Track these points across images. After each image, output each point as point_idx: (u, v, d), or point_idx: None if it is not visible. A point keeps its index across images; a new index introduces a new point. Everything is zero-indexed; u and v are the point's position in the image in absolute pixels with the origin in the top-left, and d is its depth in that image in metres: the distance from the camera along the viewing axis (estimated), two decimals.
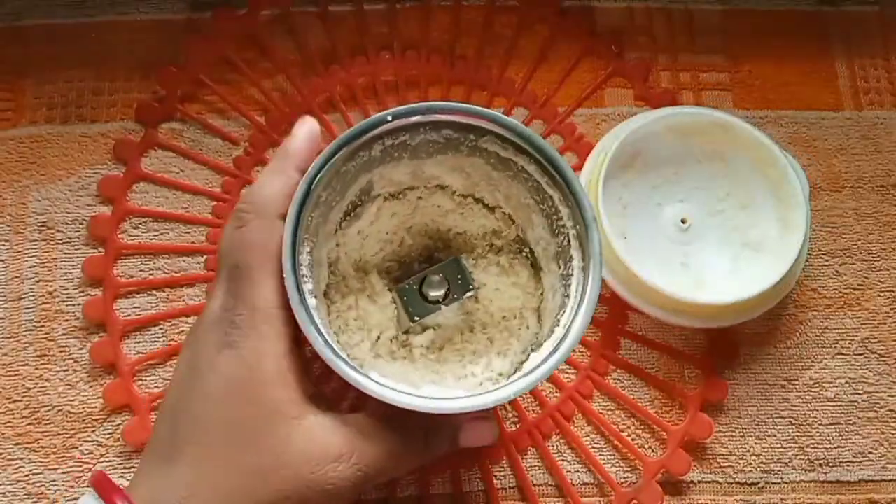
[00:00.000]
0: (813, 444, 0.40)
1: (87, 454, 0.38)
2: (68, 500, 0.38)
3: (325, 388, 0.38)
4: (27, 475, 0.38)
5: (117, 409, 0.39)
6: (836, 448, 0.40)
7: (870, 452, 0.40)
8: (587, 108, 0.45)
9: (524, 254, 0.35)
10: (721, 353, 0.41)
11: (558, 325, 0.30)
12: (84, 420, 0.39)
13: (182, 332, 0.40)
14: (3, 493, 0.38)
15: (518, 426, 0.40)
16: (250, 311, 0.28)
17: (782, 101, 0.46)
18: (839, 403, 0.41)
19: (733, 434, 0.40)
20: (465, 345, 0.35)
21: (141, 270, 0.41)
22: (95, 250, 0.41)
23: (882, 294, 0.43)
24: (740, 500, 0.39)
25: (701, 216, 0.42)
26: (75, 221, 0.42)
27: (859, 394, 0.41)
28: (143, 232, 0.42)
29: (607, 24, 0.46)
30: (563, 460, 0.39)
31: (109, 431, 0.39)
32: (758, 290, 0.38)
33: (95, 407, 0.39)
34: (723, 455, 0.40)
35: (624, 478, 0.39)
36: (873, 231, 0.43)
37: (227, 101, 0.44)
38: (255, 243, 0.29)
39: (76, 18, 0.45)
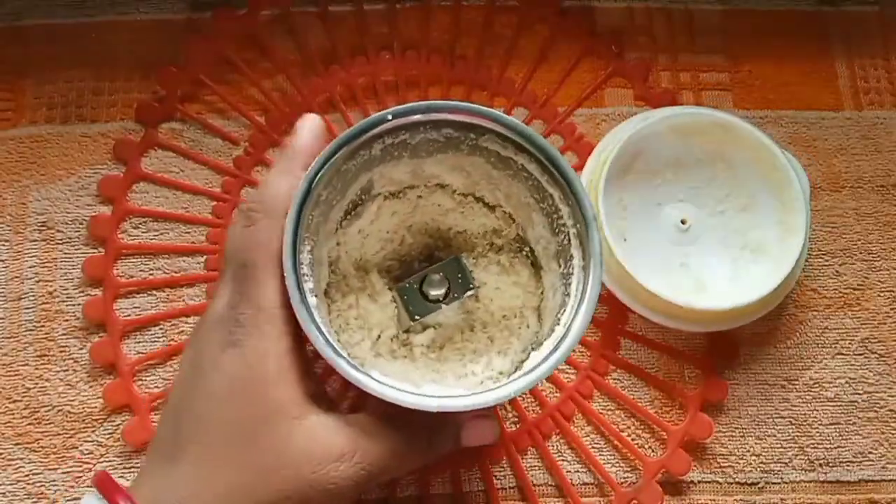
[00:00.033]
0: (813, 444, 0.40)
1: (87, 454, 0.38)
2: (68, 500, 0.38)
3: (325, 388, 0.38)
4: (27, 475, 0.38)
5: (117, 409, 0.39)
6: (836, 448, 0.40)
7: (870, 452, 0.40)
8: (587, 108, 0.45)
9: (524, 253, 0.35)
10: (721, 353, 0.41)
11: (559, 324, 0.30)
12: (84, 420, 0.39)
13: (182, 332, 0.40)
14: (3, 493, 0.38)
15: (518, 426, 0.40)
16: (255, 310, 0.28)
17: (782, 101, 0.46)
18: (839, 403, 0.41)
19: (733, 434, 0.40)
20: (466, 344, 0.35)
21: (141, 270, 0.41)
22: (95, 250, 0.41)
23: (882, 294, 0.43)
24: (740, 500, 0.39)
25: (701, 217, 0.42)
26: (75, 221, 0.42)
27: (859, 394, 0.41)
28: (143, 232, 0.42)
29: (607, 24, 0.46)
30: (563, 460, 0.39)
31: (109, 431, 0.39)
32: (757, 295, 0.38)
33: (95, 407, 0.39)
34: (723, 455, 0.40)
35: (624, 478, 0.39)
36: (873, 231, 0.43)
37: (227, 101, 0.44)
38: (263, 243, 0.28)
39: (76, 18, 0.45)
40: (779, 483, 0.39)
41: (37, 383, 0.39)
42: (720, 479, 0.39)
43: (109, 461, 0.38)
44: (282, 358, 0.28)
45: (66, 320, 0.40)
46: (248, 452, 0.27)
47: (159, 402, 0.39)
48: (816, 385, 0.41)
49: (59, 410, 0.39)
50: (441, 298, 0.33)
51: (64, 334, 0.40)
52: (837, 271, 0.43)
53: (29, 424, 0.39)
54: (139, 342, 0.40)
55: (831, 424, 0.40)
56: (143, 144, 0.43)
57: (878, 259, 0.43)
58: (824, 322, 0.42)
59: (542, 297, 0.34)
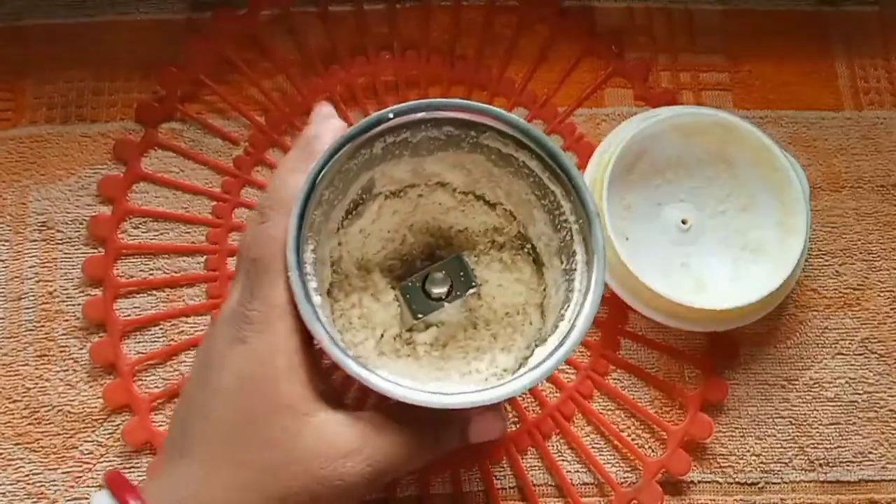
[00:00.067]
0: (813, 444, 0.40)
1: (87, 454, 0.38)
2: (68, 501, 0.38)
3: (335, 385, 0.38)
4: (27, 475, 0.38)
5: (117, 409, 0.39)
6: (836, 448, 0.40)
7: (870, 452, 0.40)
8: (587, 108, 0.45)
9: (526, 250, 0.35)
10: (721, 353, 0.41)
11: (563, 320, 0.30)
12: (84, 420, 0.39)
13: (182, 332, 0.40)
14: (3, 493, 0.38)
15: (518, 426, 0.40)
16: (266, 306, 0.28)
17: (782, 101, 0.46)
18: (839, 403, 0.41)
19: (733, 434, 0.40)
20: (469, 342, 0.35)
21: (141, 270, 0.41)
22: (95, 250, 0.41)
23: (882, 294, 0.43)
24: (740, 500, 0.39)
25: (701, 217, 0.42)
26: (75, 221, 0.42)
27: (859, 394, 0.41)
28: (143, 232, 0.42)
29: (607, 24, 0.46)
30: (563, 460, 0.39)
31: (109, 431, 0.39)
32: (757, 296, 0.38)
33: (95, 407, 0.39)
34: (723, 455, 0.40)
35: (624, 478, 0.39)
36: (873, 231, 0.43)
37: (227, 101, 0.44)
38: (275, 239, 0.28)
39: (76, 18, 0.45)
40: (779, 483, 0.39)
41: (37, 383, 0.39)
42: (720, 479, 0.39)
43: (109, 461, 0.38)
44: (292, 355, 0.28)
45: (66, 320, 0.40)
46: (256, 449, 0.27)
47: (159, 402, 0.39)
48: (816, 385, 0.41)
49: (59, 410, 0.39)
50: (444, 297, 0.33)
51: (64, 334, 0.40)
52: (837, 271, 0.43)
53: (29, 424, 0.39)
54: (139, 342, 0.40)
55: (831, 424, 0.40)
56: (143, 144, 0.43)
57: (878, 259, 0.43)
58: (824, 322, 0.42)
59: (545, 293, 0.34)
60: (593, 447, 0.40)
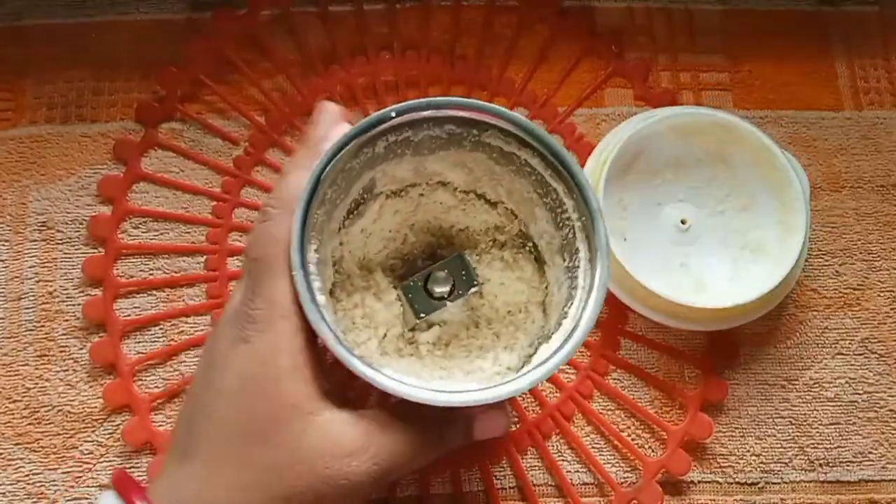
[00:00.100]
0: (813, 444, 0.40)
1: (87, 454, 0.38)
2: (68, 501, 0.38)
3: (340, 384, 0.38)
4: (27, 475, 0.38)
5: (117, 409, 0.39)
6: (836, 448, 0.40)
7: (870, 452, 0.40)
8: (587, 108, 0.45)
9: (527, 248, 0.35)
10: (721, 353, 0.41)
11: (566, 317, 0.30)
12: (84, 420, 0.39)
13: (182, 332, 0.40)
14: (3, 493, 0.38)
15: (518, 426, 0.40)
16: (268, 305, 0.28)
17: (782, 101, 0.46)
18: (839, 403, 0.41)
19: (733, 434, 0.40)
20: (472, 340, 0.35)
21: (141, 270, 0.41)
22: (95, 250, 0.41)
23: (882, 294, 0.43)
24: (740, 500, 0.39)
25: (701, 217, 0.42)
26: (75, 221, 0.42)
27: (859, 394, 0.41)
28: (143, 232, 0.42)
29: (607, 24, 0.46)
30: (563, 460, 0.39)
31: (109, 431, 0.39)
32: (757, 294, 0.38)
33: (95, 407, 0.39)
34: (723, 455, 0.40)
35: (624, 478, 0.39)
36: (873, 231, 0.43)
37: (227, 101, 0.44)
38: (278, 238, 0.28)
39: (76, 18, 0.45)
40: (779, 483, 0.39)
41: (37, 383, 0.39)
42: (720, 479, 0.39)
43: (109, 461, 0.38)
44: (296, 354, 0.28)
45: (66, 320, 0.40)
46: (260, 449, 0.27)
47: (159, 402, 0.39)
48: (816, 385, 0.41)
49: (59, 410, 0.39)
50: (446, 296, 0.33)
51: (64, 334, 0.40)
52: (837, 271, 0.43)
53: (29, 424, 0.39)
54: (139, 342, 0.40)
55: (831, 424, 0.40)
56: (143, 144, 0.43)
57: (878, 259, 0.43)
58: (824, 322, 0.42)
59: (547, 291, 0.34)
60: (593, 447, 0.40)
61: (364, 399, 0.38)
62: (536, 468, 0.39)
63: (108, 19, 0.45)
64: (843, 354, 0.41)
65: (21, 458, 0.38)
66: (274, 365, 0.27)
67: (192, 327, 0.40)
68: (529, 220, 0.34)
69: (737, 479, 0.39)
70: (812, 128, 0.45)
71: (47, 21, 0.45)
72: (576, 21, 0.46)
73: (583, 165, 0.42)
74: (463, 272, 0.34)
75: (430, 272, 0.34)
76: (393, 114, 0.29)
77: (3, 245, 0.41)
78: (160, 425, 0.39)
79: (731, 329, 0.40)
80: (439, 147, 0.32)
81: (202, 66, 0.44)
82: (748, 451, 0.40)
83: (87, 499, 0.38)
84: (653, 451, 0.40)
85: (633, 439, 0.40)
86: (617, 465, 0.39)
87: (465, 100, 0.30)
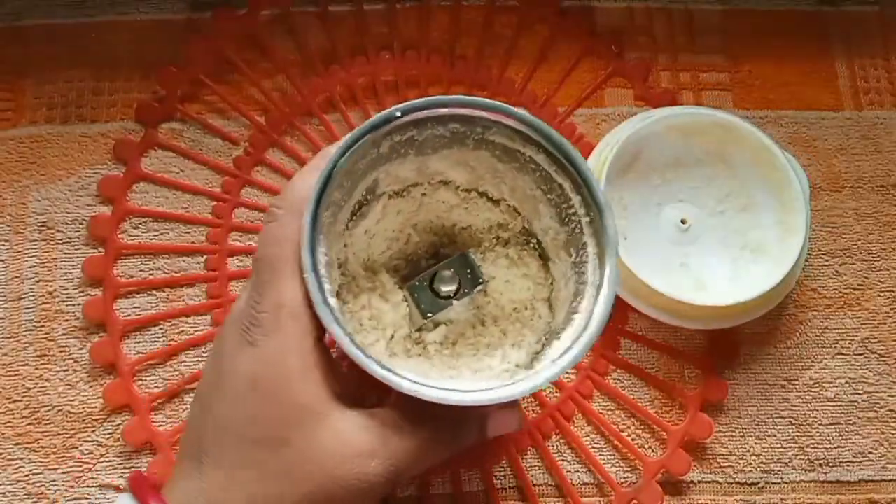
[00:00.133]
0: (813, 444, 0.40)
1: (87, 454, 0.38)
2: (68, 501, 0.38)
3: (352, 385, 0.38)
4: (27, 475, 0.38)
5: (117, 409, 0.39)
6: (836, 448, 0.40)
7: (870, 452, 0.40)
8: (587, 108, 0.45)
9: (531, 245, 0.35)
10: (721, 353, 0.41)
11: (577, 313, 0.30)
12: (84, 420, 0.39)
13: (182, 332, 0.40)
14: (3, 493, 0.38)
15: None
16: (275, 307, 0.27)
17: (782, 101, 0.46)
18: (839, 403, 0.41)
19: (733, 434, 0.40)
20: (479, 338, 0.35)
21: (141, 270, 0.41)
22: (95, 250, 0.41)
23: (882, 294, 0.43)
24: (740, 500, 0.39)
25: (701, 217, 0.42)
26: (75, 221, 0.42)
27: (859, 394, 0.41)
28: (143, 232, 0.42)
29: (607, 24, 0.46)
30: (563, 460, 0.39)
31: (109, 431, 0.39)
32: (757, 293, 0.38)
33: (95, 407, 0.39)
34: (723, 455, 0.40)
35: (624, 478, 0.39)
36: (873, 231, 0.43)
37: (227, 101, 0.44)
38: (284, 238, 0.28)
39: (76, 18, 0.45)
40: (779, 483, 0.39)
41: (37, 383, 0.39)
42: (720, 479, 0.39)
43: (109, 461, 0.38)
44: (305, 356, 0.27)
45: (66, 320, 0.40)
46: (273, 454, 0.27)
47: (159, 402, 0.39)
48: (816, 385, 0.41)
49: (59, 410, 0.39)
50: (452, 295, 0.33)
51: (64, 334, 0.40)
52: (837, 271, 0.43)
53: (29, 424, 0.39)
54: (139, 342, 0.40)
55: (831, 424, 0.40)
56: (143, 144, 0.43)
57: (878, 259, 0.43)
58: (824, 322, 0.42)
59: (552, 287, 0.34)
60: (593, 447, 0.40)
61: (376, 399, 0.38)
62: (536, 468, 0.39)
63: (108, 19, 0.45)
64: (843, 354, 0.41)
65: (21, 458, 0.38)
66: (283, 368, 0.27)
67: (192, 327, 0.40)
68: (533, 217, 0.34)
69: (737, 479, 0.39)
70: (812, 128, 0.45)
71: (47, 21, 0.45)
72: (576, 21, 0.46)
73: None
74: (468, 271, 0.34)
75: (435, 272, 0.34)
76: (398, 113, 0.29)
77: (3, 245, 0.41)
78: (160, 425, 0.39)
79: (732, 329, 0.40)
80: (442, 146, 0.32)
81: (202, 66, 0.44)
82: (748, 451, 0.40)
83: (87, 499, 0.38)
84: (653, 451, 0.40)
85: (633, 439, 0.40)
86: (617, 465, 0.39)
87: (471, 98, 0.30)
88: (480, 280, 0.34)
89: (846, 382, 0.41)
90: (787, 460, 0.40)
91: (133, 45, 0.45)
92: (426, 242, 0.36)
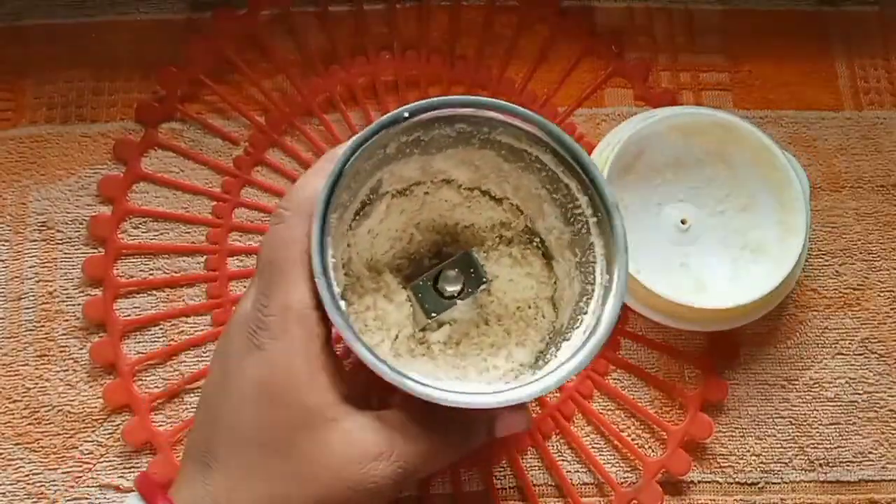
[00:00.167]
0: (813, 444, 0.40)
1: (87, 454, 0.38)
2: (68, 501, 0.38)
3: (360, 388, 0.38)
4: (27, 475, 0.38)
5: (117, 409, 0.39)
6: (836, 448, 0.40)
7: (870, 452, 0.40)
8: (587, 108, 0.45)
9: (534, 244, 0.35)
10: (721, 353, 0.41)
11: (585, 313, 0.30)
12: (84, 420, 0.39)
13: (182, 332, 0.40)
14: (3, 493, 0.38)
15: None
16: (282, 309, 0.27)
17: (782, 101, 0.46)
18: (839, 403, 0.41)
19: (733, 434, 0.40)
20: (483, 338, 0.35)
21: (141, 270, 0.41)
22: (95, 250, 0.41)
23: (882, 294, 0.43)
24: (740, 500, 0.39)
25: (701, 217, 0.42)
26: (75, 221, 0.42)
27: (859, 394, 0.41)
28: (143, 232, 0.42)
29: (607, 24, 0.46)
30: (563, 460, 0.39)
31: (109, 431, 0.39)
32: (757, 294, 0.38)
33: (95, 407, 0.39)
34: (723, 455, 0.40)
35: (624, 478, 0.39)
36: (873, 231, 0.43)
37: (227, 101, 0.44)
38: (291, 240, 0.28)
39: (76, 18, 0.45)
40: (779, 483, 0.39)
41: (37, 383, 0.39)
42: (720, 479, 0.39)
43: (109, 461, 0.38)
44: (313, 360, 0.27)
45: (66, 320, 0.40)
46: (283, 459, 0.27)
47: (159, 402, 0.39)
48: (816, 385, 0.41)
49: (59, 410, 0.39)
50: (456, 294, 0.33)
51: (64, 334, 0.40)
52: (837, 271, 0.43)
53: (29, 424, 0.39)
54: (139, 342, 0.40)
55: (831, 424, 0.40)
56: (143, 144, 0.43)
57: (878, 259, 0.43)
58: (824, 322, 0.42)
59: (556, 286, 0.35)
60: (593, 447, 0.40)
61: (377, 401, 0.38)
62: (536, 468, 0.39)
63: (108, 19, 0.45)
64: (843, 354, 0.41)
65: (21, 458, 0.38)
66: (291, 371, 0.27)
67: (192, 327, 0.40)
68: (537, 216, 0.34)
69: (737, 479, 0.39)
70: (812, 128, 0.45)
71: (47, 21, 0.45)
72: (576, 21, 0.46)
73: None
74: (471, 270, 0.34)
75: (439, 271, 0.34)
76: (406, 114, 0.29)
77: (3, 245, 0.41)
78: (160, 425, 0.39)
79: (732, 329, 0.40)
80: (447, 146, 0.32)
81: (202, 66, 0.44)
82: (748, 451, 0.40)
83: (87, 499, 0.38)
84: (653, 451, 0.40)
85: (633, 439, 0.40)
86: (617, 465, 0.39)
87: (478, 98, 0.30)
88: (484, 279, 0.34)
89: (846, 382, 0.41)
90: (787, 460, 0.40)
91: (133, 45, 0.45)
92: (429, 241, 0.36)
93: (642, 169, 0.41)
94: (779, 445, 0.40)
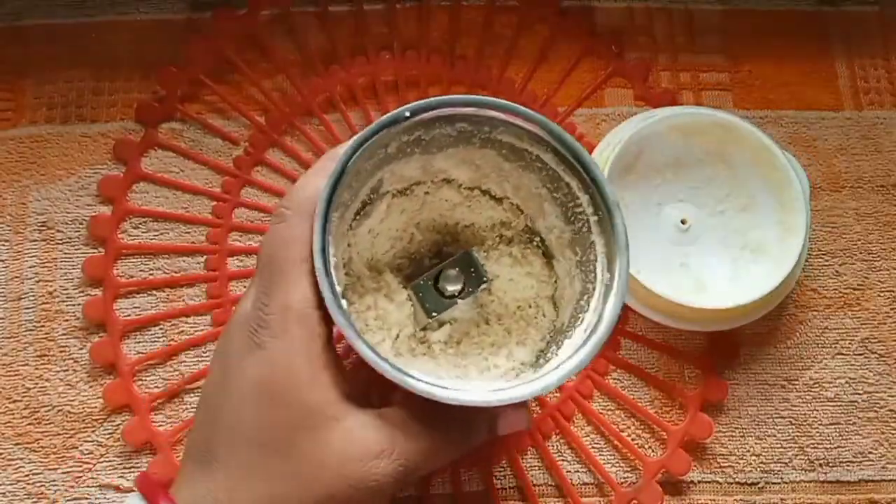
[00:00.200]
0: (813, 444, 0.40)
1: (87, 454, 0.38)
2: (68, 501, 0.38)
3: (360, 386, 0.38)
4: (27, 475, 0.38)
5: (117, 409, 0.39)
6: (836, 448, 0.40)
7: (870, 452, 0.40)
8: (587, 108, 0.45)
9: (535, 243, 0.35)
10: (721, 353, 0.41)
11: (586, 311, 0.30)
12: (84, 420, 0.39)
13: (182, 332, 0.40)
14: (3, 493, 0.38)
15: None
16: (283, 309, 0.27)
17: (782, 101, 0.46)
18: (839, 403, 0.41)
19: (733, 434, 0.40)
20: (483, 337, 0.35)
21: (141, 270, 0.41)
22: (95, 250, 0.41)
23: (882, 294, 0.43)
24: (740, 500, 0.39)
25: (701, 217, 0.42)
26: (75, 221, 0.42)
27: (859, 394, 0.41)
28: (143, 232, 0.42)
29: (607, 24, 0.46)
30: (563, 460, 0.39)
31: (109, 431, 0.39)
32: (757, 294, 0.38)
33: (95, 407, 0.39)
34: (723, 455, 0.40)
35: (624, 478, 0.39)
36: (873, 231, 0.43)
37: (227, 101, 0.44)
38: (292, 240, 0.28)
39: (76, 18, 0.45)
40: (779, 483, 0.39)
41: (37, 383, 0.39)
42: (720, 479, 0.39)
43: (109, 461, 0.38)
44: (314, 359, 0.27)
45: (66, 320, 0.40)
46: (284, 459, 0.27)
47: (159, 402, 0.39)
48: (816, 385, 0.41)
49: (59, 410, 0.39)
50: (457, 294, 0.33)
51: (64, 334, 0.40)
52: (837, 271, 0.43)
53: (29, 424, 0.39)
54: (139, 342, 0.40)
55: (831, 424, 0.40)
56: (143, 144, 0.43)
57: (878, 259, 0.43)
58: (824, 322, 0.42)
59: (556, 285, 0.35)
60: (593, 447, 0.40)
61: (377, 399, 0.38)
62: (536, 468, 0.39)
63: (108, 19, 0.45)
64: (843, 354, 0.41)
65: (21, 458, 0.38)
66: (292, 371, 0.27)
67: (192, 327, 0.40)
68: (537, 215, 0.34)
69: (737, 479, 0.39)
70: (812, 128, 0.45)
71: (47, 21, 0.45)
72: (576, 21, 0.46)
73: None
74: (472, 269, 0.34)
75: (439, 270, 0.34)
76: (407, 114, 0.29)
77: (3, 245, 0.41)
78: (160, 425, 0.39)
79: (732, 329, 0.40)
80: (448, 145, 0.32)
81: (202, 66, 0.44)
82: (748, 451, 0.40)
83: (87, 499, 0.38)
84: (653, 451, 0.40)
85: (633, 439, 0.40)
86: (617, 465, 0.39)
87: (480, 98, 0.30)
88: (484, 278, 0.34)
89: (846, 382, 0.41)
90: (787, 460, 0.40)
91: (133, 45, 0.45)
92: (429, 241, 0.36)
93: (642, 169, 0.41)
94: (779, 445, 0.40)
